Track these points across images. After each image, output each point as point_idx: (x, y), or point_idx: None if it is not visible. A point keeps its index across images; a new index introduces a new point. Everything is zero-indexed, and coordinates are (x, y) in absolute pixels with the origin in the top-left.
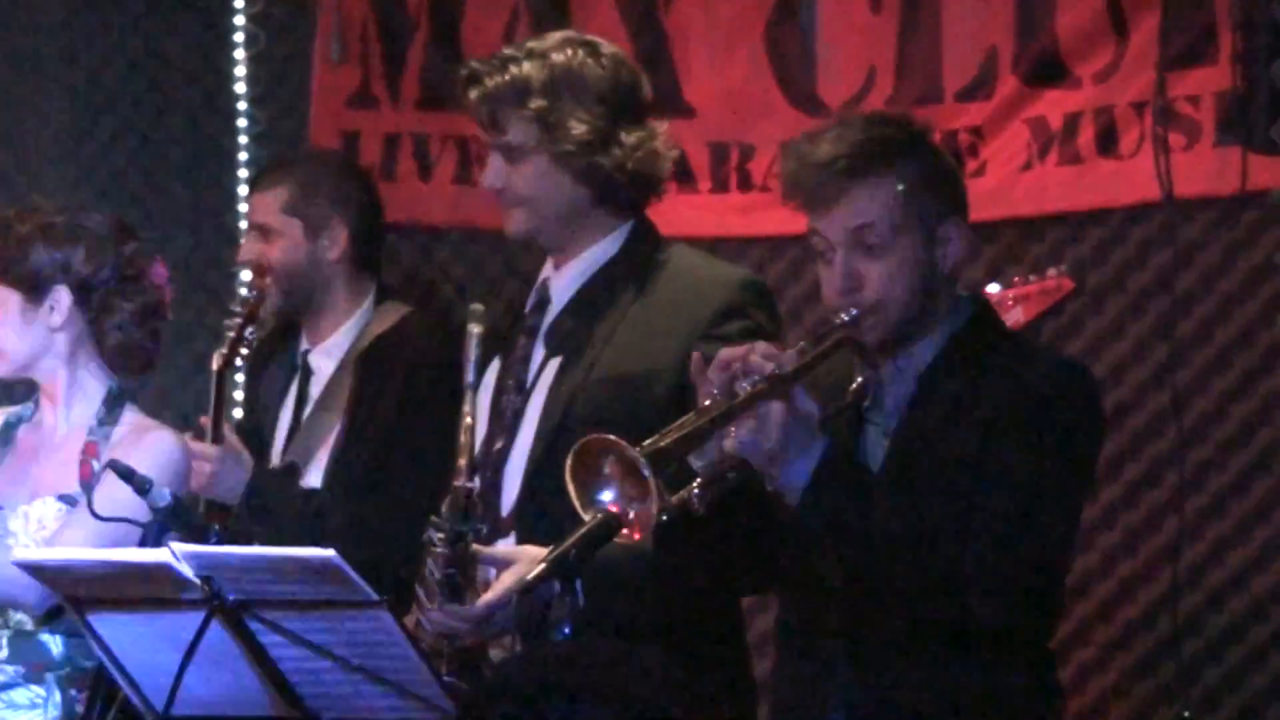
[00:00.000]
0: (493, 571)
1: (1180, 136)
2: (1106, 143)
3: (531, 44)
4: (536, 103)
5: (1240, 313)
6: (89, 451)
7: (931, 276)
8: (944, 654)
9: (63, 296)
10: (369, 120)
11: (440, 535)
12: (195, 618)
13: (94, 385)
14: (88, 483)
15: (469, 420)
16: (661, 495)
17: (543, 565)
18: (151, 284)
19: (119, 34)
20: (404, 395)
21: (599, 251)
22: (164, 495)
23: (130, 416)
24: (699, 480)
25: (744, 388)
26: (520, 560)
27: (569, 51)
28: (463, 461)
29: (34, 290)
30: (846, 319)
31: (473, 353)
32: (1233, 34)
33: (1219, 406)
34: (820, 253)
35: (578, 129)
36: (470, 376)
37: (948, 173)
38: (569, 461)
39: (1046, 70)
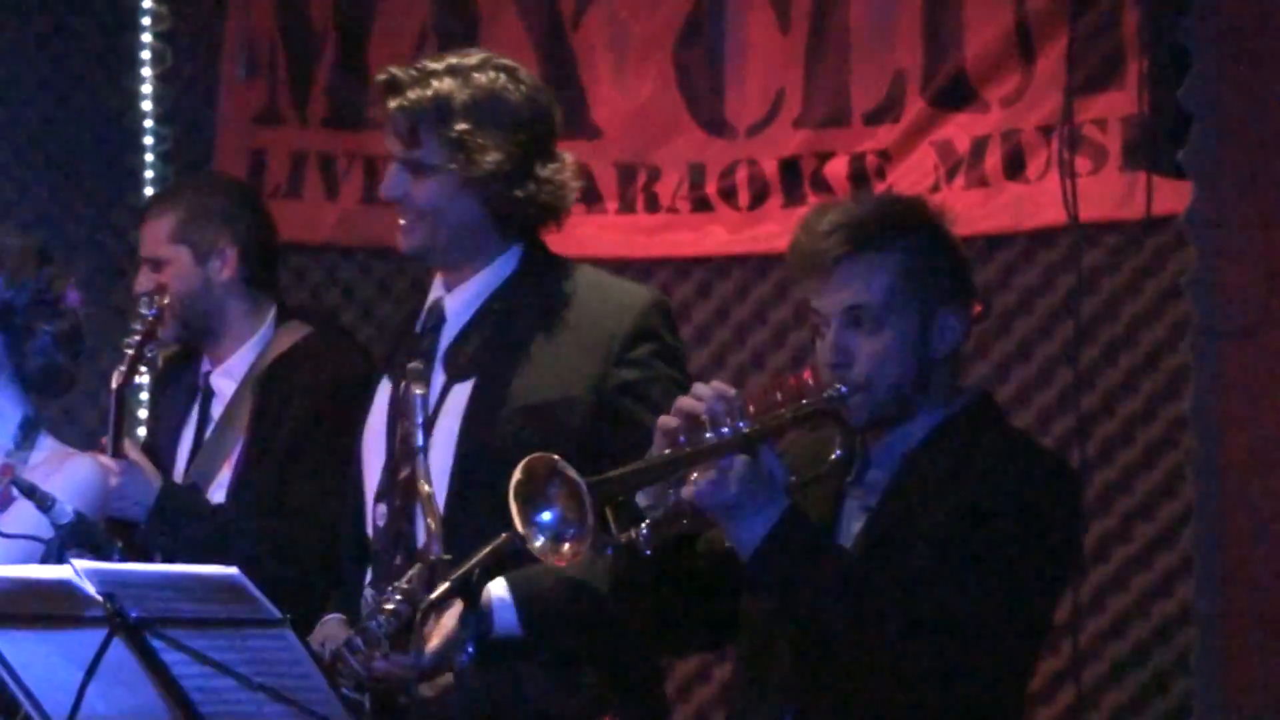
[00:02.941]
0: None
1: (1087, 161)
2: (1013, 166)
3: (452, 60)
4: (458, 125)
5: (1146, 337)
6: (4, 474)
7: (924, 360)
8: None
9: None
10: (276, 138)
11: (399, 598)
12: (97, 635)
13: (10, 409)
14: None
15: (427, 489)
16: (595, 524)
17: (445, 584)
18: (69, 308)
19: (25, 52)
20: (305, 414)
21: (494, 272)
22: (66, 512)
23: (49, 443)
24: (648, 521)
25: (709, 438)
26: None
27: (490, 74)
28: (433, 525)
29: None
30: (835, 395)
31: (420, 415)
32: (1139, 59)
33: (1124, 431)
34: (815, 326)
35: (493, 156)
36: (420, 440)
37: (953, 259)
38: (516, 475)
39: (954, 94)
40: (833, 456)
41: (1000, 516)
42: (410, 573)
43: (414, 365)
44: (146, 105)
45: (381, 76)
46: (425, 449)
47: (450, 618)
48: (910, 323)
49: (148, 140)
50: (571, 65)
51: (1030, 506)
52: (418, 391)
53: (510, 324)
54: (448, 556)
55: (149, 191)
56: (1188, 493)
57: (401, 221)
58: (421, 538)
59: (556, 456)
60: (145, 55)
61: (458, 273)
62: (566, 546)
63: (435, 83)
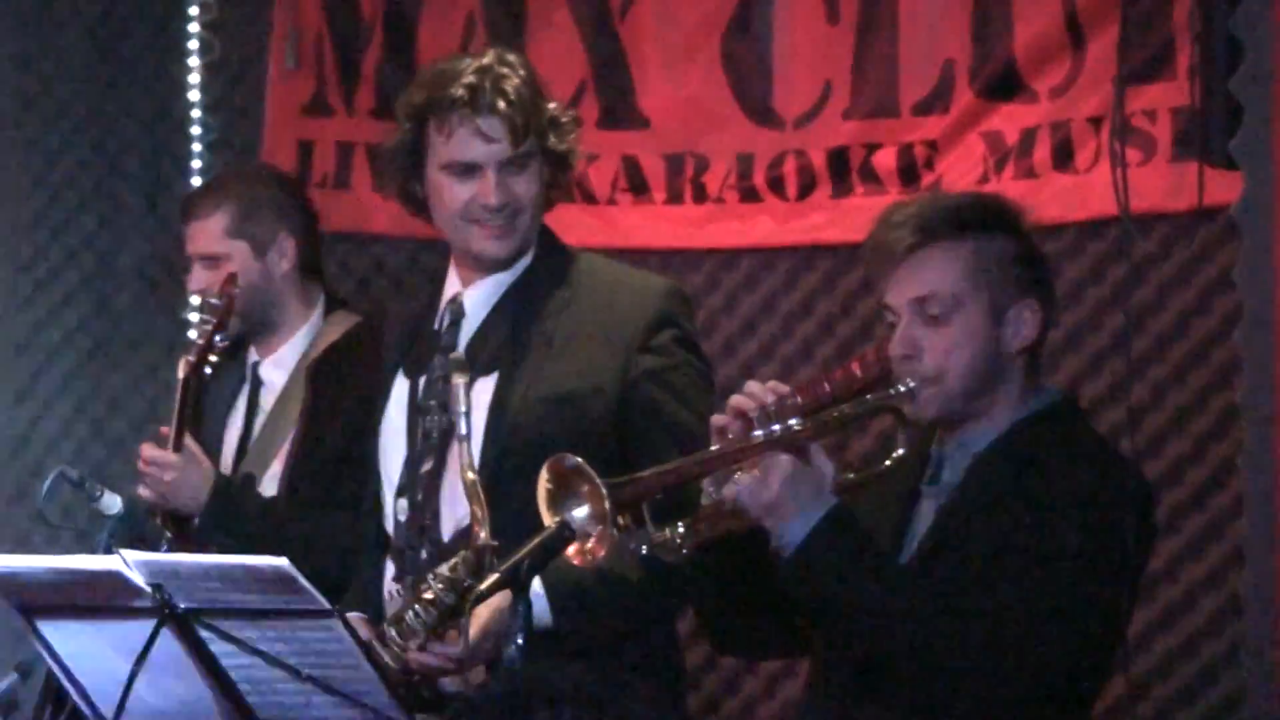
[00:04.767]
0: None
1: (1137, 151)
2: (1062, 157)
3: (484, 61)
4: (550, 105)
5: (1196, 328)
6: None
7: (996, 356)
8: None
9: None
10: (323, 129)
11: (441, 586)
12: (146, 626)
13: None
14: None
15: (471, 476)
16: (615, 525)
17: (496, 575)
18: None
19: (73, 41)
20: (358, 405)
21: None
22: (114, 502)
23: None
24: (684, 520)
25: (758, 435)
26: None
27: (515, 61)
28: (480, 513)
29: None
30: (904, 389)
31: (463, 404)
32: (1191, 49)
33: (1174, 422)
34: (890, 324)
35: (573, 133)
36: (464, 429)
37: (1030, 255)
38: (543, 475)
39: (1003, 84)
40: (896, 454)
41: (1061, 523)
42: (455, 560)
43: (456, 355)
44: (194, 95)
45: (458, 92)
46: (469, 436)
47: (485, 609)
48: (980, 316)
49: (195, 130)
50: (620, 56)
51: (1094, 515)
52: (459, 380)
53: (530, 316)
54: (495, 542)
55: (196, 181)
56: (1238, 484)
57: (498, 224)
58: (447, 530)
59: (578, 459)
60: (193, 45)
61: (479, 269)
62: (591, 544)
63: (511, 76)
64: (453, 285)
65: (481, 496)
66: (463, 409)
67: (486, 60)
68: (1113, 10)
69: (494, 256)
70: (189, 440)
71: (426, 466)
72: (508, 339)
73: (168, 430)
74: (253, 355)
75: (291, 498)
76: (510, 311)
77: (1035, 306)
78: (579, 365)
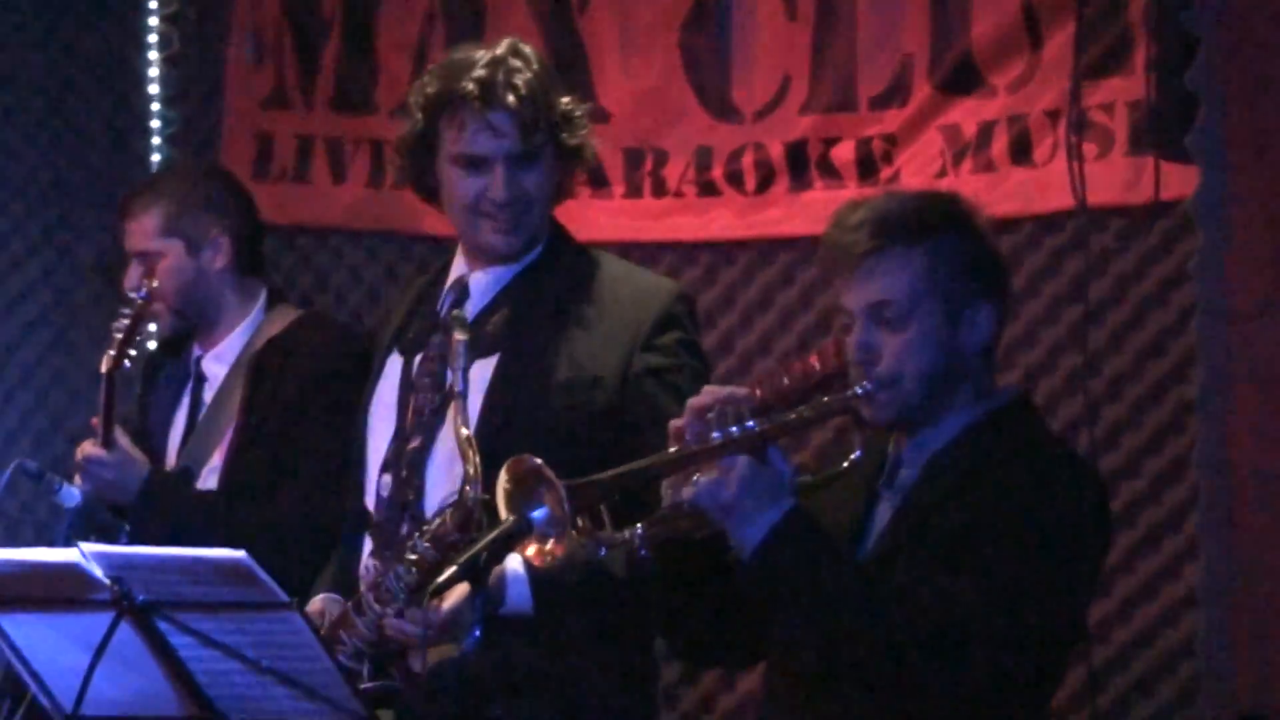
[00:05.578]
0: None
1: (1093, 145)
2: (1020, 151)
3: (498, 52)
4: (563, 100)
5: (1153, 321)
6: None
7: (953, 358)
8: None
9: None
10: (283, 122)
11: (426, 544)
12: (104, 618)
13: None
14: None
15: (466, 432)
16: (574, 525)
17: (454, 568)
18: None
19: (32, 34)
20: (298, 398)
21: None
22: (73, 495)
23: None
24: (643, 522)
25: (716, 438)
26: None
27: (530, 54)
28: (470, 470)
29: None
30: (861, 392)
31: (461, 359)
32: (1147, 44)
33: (1131, 415)
34: (845, 326)
35: (584, 128)
36: (461, 385)
37: (985, 256)
38: (501, 476)
39: (961, 78)
40: (852, 456)
41: (1014, 521)
42: (443, 514)
43: (458, 313)
44: (153, 89)
45: (469, 86)
46: (465, 393)
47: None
48: (937, 319)
49: (154, 124)
50: (578, 49)
51: (1050, 511)
52: (460, 337)
53: (536, 304)
54: (485, 496)
55: None
56: (1194, 476)
57: (506, 218)
58: (429, 501)
59: (538, 460)
60: (152, 39)
61: (487, 260)
62: (549, 545)
63: (524, 70)
64: (459, 269)
65: (475, 455)
66: (461, 365)
67: (500, 52)
68: (1069, 5)
69: (501, 250)
70: (119, 433)
71: (415, 443)
72: (511, 323)
73: (98, 421)
74: (195, 350)
75: (227, 492)
76: (516, 297)
77: (991, 307)
78: (581, 355)
